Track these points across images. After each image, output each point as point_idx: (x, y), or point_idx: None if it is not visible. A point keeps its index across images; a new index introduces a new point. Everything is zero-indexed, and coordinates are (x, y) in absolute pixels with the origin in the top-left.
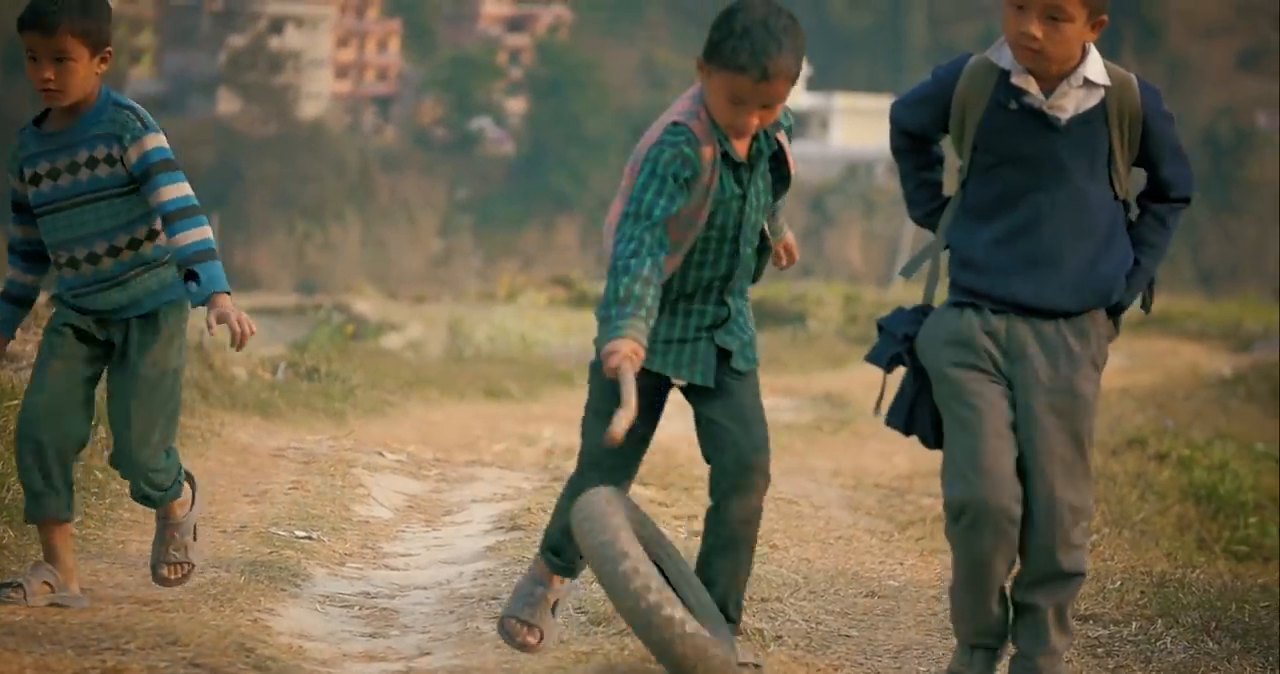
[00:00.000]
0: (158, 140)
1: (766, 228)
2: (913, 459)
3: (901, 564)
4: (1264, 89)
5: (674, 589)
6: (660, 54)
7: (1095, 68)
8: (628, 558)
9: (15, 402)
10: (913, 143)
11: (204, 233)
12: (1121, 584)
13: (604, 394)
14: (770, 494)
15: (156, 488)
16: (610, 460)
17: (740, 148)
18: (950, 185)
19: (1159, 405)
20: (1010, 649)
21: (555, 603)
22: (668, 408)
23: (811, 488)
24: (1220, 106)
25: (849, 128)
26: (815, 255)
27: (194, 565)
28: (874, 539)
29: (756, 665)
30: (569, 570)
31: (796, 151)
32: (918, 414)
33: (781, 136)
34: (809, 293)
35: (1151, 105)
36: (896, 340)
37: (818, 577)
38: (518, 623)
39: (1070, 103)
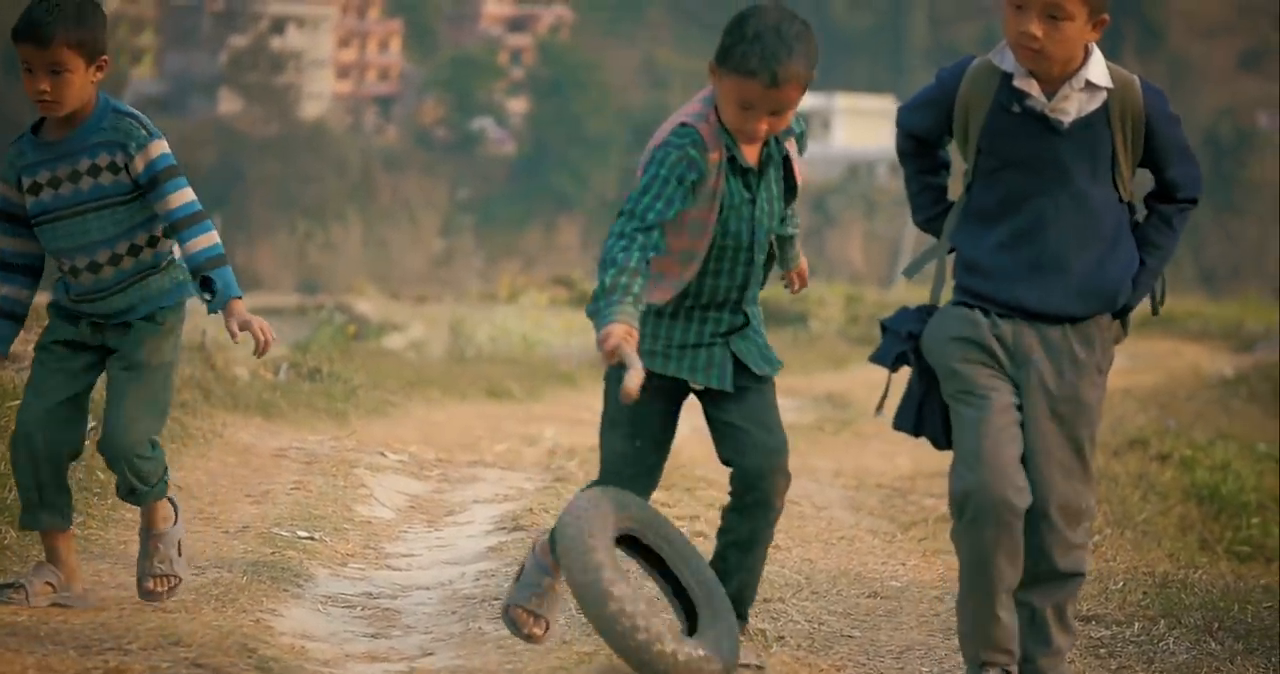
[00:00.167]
0: (162, 147)
1: (776, 248)
2: (915, 460)
3: (904, 565)
4: (1265, 89)
5: (674, 573)
6: (662, 54)
7: (1098, 70)
8: (612, 600)
9: (16, 402)
10: (918, 146)
11: (213, 238)
12: (1124, 585)
13: (618, 403)
14: None
15: (142, 480)
16: (631, 470)
17: (750, 153)
18: (956, 188)
19: (1161, 406)
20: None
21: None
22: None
23: (814, 488)
24: (1221, 107)
25: (850, 128)
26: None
27: (180, 579)
28: (876, 540)
29: (759, 667)
30: None
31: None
32: (926, 414)
33: (791, 145)
34: (810, 293)
35: (1155, 107)
36: (901, 338)
37: (820, 577)
38: (525, 613)
39: (1072, 105)
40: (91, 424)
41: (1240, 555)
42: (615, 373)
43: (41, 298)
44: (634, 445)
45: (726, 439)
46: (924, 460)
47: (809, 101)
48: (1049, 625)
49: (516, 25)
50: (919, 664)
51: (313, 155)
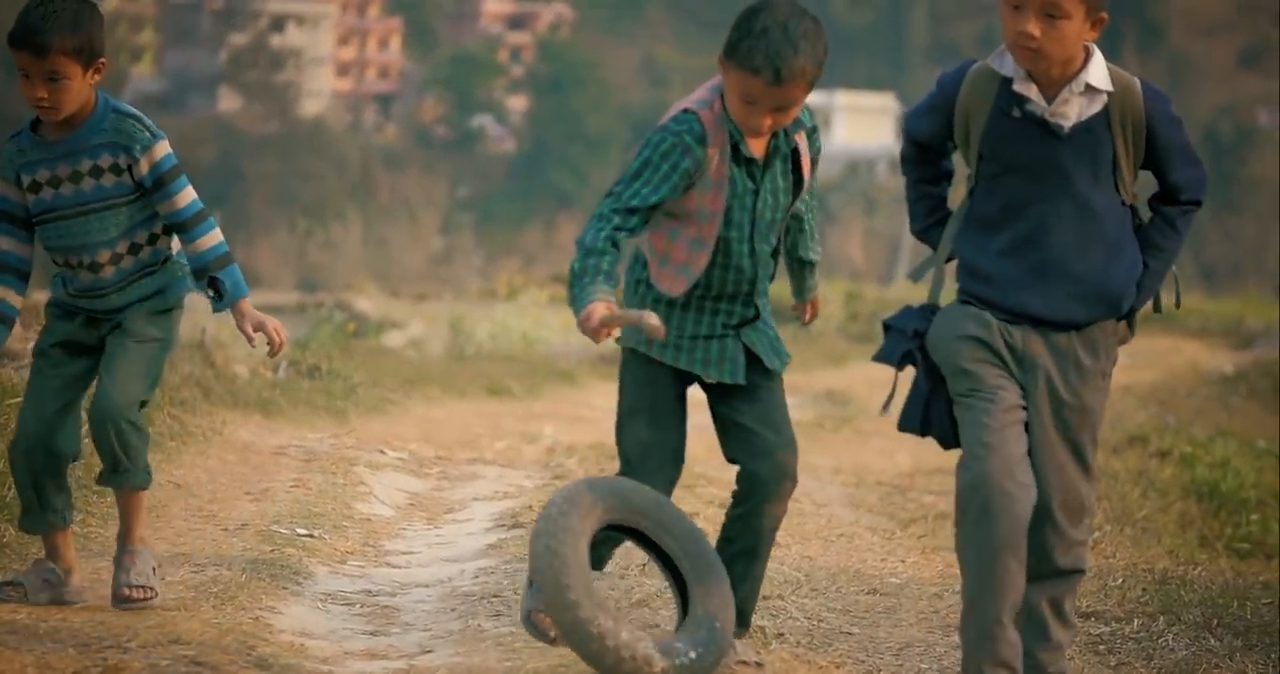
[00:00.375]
0: (165, 148)
1: (789, 248)
2: (914, 457)
3: (903, 562)
4: (1265, 87)
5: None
6: (661, 52)
7: (1098, 73)
8: (601, 637)
9: (17, 399)
10: (920, 153)
11: (218, 236)
12: (1123, 582)
13: (635, 392)
14: None
15: (126, 452)
16: (655, 458)
17: (756, 145)
18: (957, 195)
19: (1161, 402)
20: None
21: None
22: None
23: (813, 485)
24: (1222, 104)
25: (851, 125)
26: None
27: (156, 592)
28: (875, 537)
29: (758, 663)
30: (598, 564)
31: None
32: (933, 414)
33: (800, 138)
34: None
35: (1156, 110)
36: (907, 337)
37: (819, 574)
38: (545, 617)
39: (1073, 110)
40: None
41: (1240, 552)
42: (629, 363)
43: (41, 296)
44: (656, 431)
45: (736, 439)
46: (923, 458)
47: (809, 98)
48: (1047, 620)
49: (516, 23)
50: (918, 661)
51: (312, 153)
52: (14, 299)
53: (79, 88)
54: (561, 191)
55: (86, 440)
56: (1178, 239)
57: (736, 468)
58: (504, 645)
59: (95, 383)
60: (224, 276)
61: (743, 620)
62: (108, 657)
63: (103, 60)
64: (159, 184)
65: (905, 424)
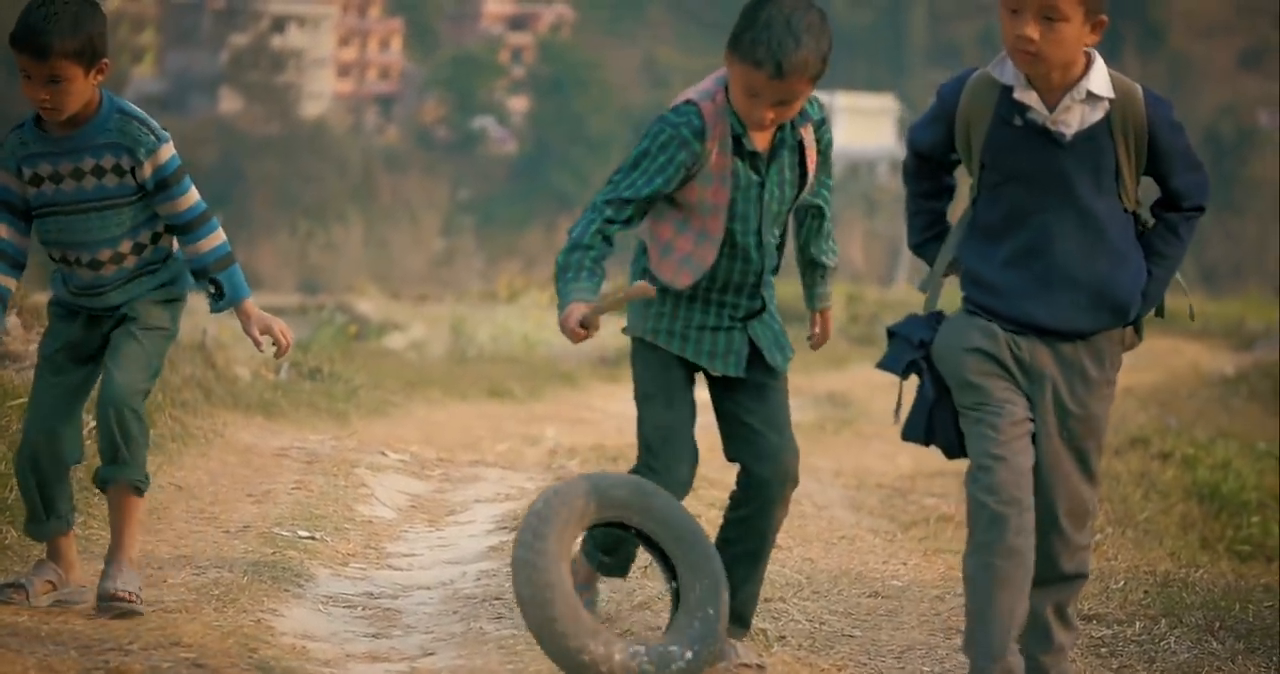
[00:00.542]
0: (170, 150)
1: (804, 248)
2: (915, 459)
3: (905, 564)
4: (1265, 88)
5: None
6: (663, 53)
7: (1099, 80)
8: (594, 666)
9: (19, 401)
10: (922, 166)
11: (220, 237)
12: (1125, 584)
13: (647, 377)
14: None
15: (127, 442)
16: (676, 441)
17: (761, 137)
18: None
19: (1162, 404)
20: None
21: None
22: None
23: (814, 488)
24: (1222, 105)
25: (850, 127)
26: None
27: (141, 602)
28: (877, 539)
29: (760, 666)
30: (622, 569)
31: None
32: (938, 423)
33: (806, 131)
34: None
35: (1158, 116)
36: (913, 347)
37: (821, 577)
38: None
39: (1074, 117)
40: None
41: (1241, 554)
42: (639, 350)
43: (42, 297)
44: (674, 413)
45: (740, 439)
46: (925, 461)
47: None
48: (1050, 624)
49: (517, 24)
50: (920, 663)
51: (313, 154)
52: (8, 282)
53: (81, 89)
54: (563, 193)
55: (88, 443)
56: (1181, 245)
57: (737, 467)
58: (506, 648)
59: (101, 375)
60: (224, 278)
61: (743, 622)
62: (109, 659)
63: (105, 61)
64: (161, 187)
65: (909, 433)
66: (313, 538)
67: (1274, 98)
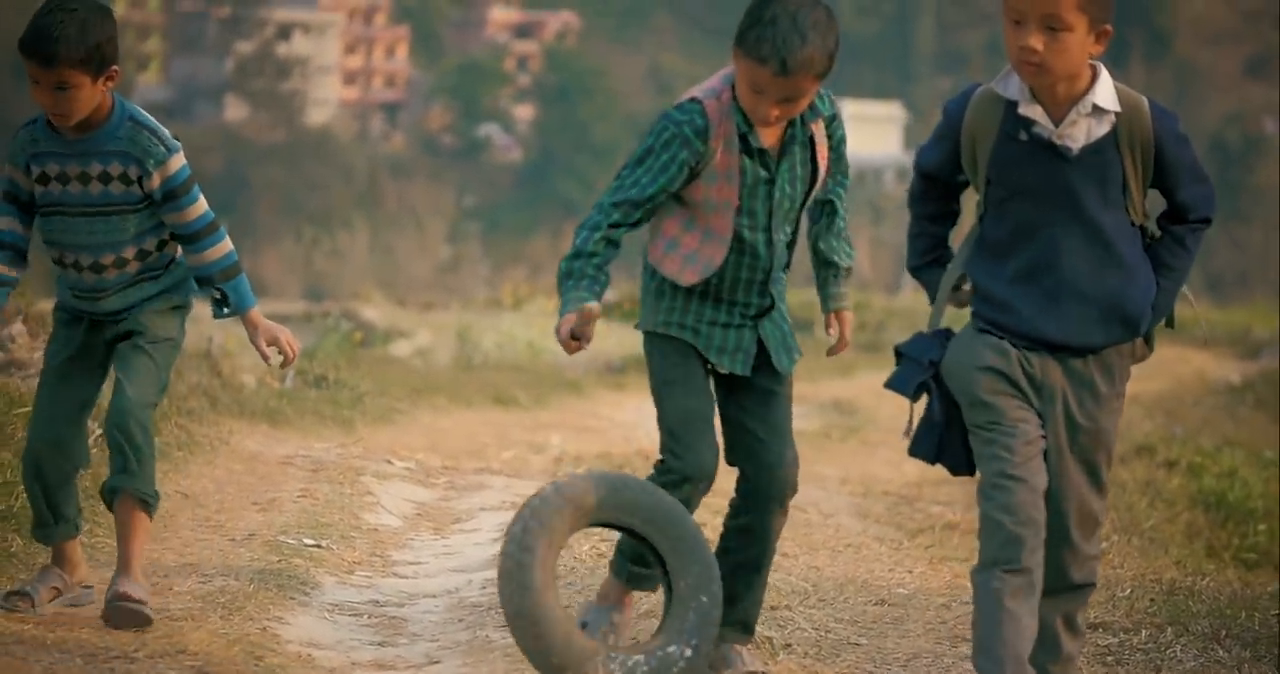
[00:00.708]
0: (180, 161)
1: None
2: (921, 467)
3: (910, 572)
4: (1272, 96)
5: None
6: (667, 60)
7: (1105, 93)
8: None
9: (24, 409)
10: (928, 189)
11: (226, 247)
12: (1131, 592)
13: (665, 365)
14: None
15: (135, 454)
16: (698, 426)
17: (769, 134)
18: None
19: (1167, 412)
20: None
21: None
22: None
23: (820, 496)
24: (1229, 113)
25: (857, 134)
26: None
27: (149, 607)
28: (883, 547)
29: None
30: (649, 581)
31: None
32: (947, 442)
33: (817, 126)
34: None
35: (1164, 129)
36: (923, 368)
37: (827, 584)
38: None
39: (1080, 131)
40: (98, 431)
41: (1247, 562)
42: (653, 342)
43: (47, 305)
44: (695, 398)
45: (743, 446)
46: (931, 469)
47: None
48: (1059, 634)
49: (523, 32)
50: (926, 672)
51: (319, 162)
52: (10, 270)
53: (89, 96)
54: (568, 200)
55: (95, 450)
56: (1188, 257)
57: (737, 472)
58: (511, 656)
59: (112, 386)
60: (230, 288)
61: (747, 629)
62: (115, 667)
63: (116, 68)
64: (169, 197)
65: (917, 451)
66: (318, 546)
67: None
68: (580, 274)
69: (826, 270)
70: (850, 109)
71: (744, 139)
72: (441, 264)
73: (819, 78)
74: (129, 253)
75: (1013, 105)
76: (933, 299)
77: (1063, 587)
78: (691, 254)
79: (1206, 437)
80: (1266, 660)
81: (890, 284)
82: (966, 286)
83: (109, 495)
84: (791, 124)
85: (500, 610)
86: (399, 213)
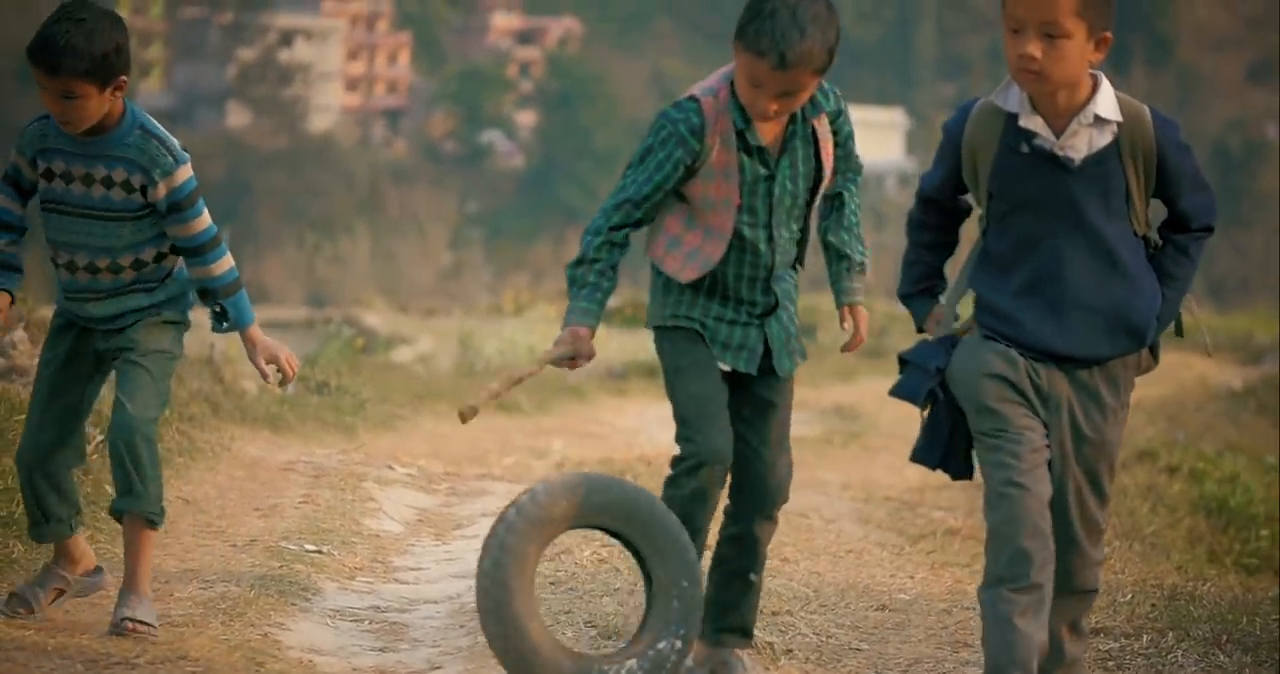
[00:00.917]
0: (187, 173)
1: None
2: (923, 473)
3: (912, 577)
4: (1274, 101)
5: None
6: (669, 65)
7: (1106, 103)
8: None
9: (23, 416)
10: (927, 215)
11: (230, 261)
12: (1132, 597)
13: (677, 354)
14: None
15: (139, 471)
16: (711, 411)
17: (768, 130)
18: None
19: (1169, 418)
20: None
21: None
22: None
23: (822, 501)
24: (1231, 119)
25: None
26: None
27: (156, 630)
28: (885, 552)
29: None
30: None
31: None
32: (951, 450)
33: (820, 122)
34: (819, 305)
35: (1166, 138)
36: (929, 374)
37: (828, 590)
38: None
39: (1082, 141)
40: (99, 438)
41: (1249, 567)
42: (664, 334)
43: (49, 311)
44: (707, 383)
45: (739, 455)
46: (932, 474)
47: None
48: (1063, 641)
49: (525, 38)
50: None
51: (321, 168)
52: (18, 251)
53: (95, 105)
54: (570, 207)
55: (95, 456)
56: (1191, 266)
57: (730, 480)
58: None
59: (111, 402)
60: (230, 304)
61: (746, 633)
62: (116, 673)
63: (124, 78)
64: (174, 209)
65: (920, 457)
66: (320, 552)
67: None
68: (583, 282)
69: (839, 264)
70: (852, 115)
71: (741, 136)
72: (443, 270)
73: (818, 72)
74: (125, 260)
75: (1013, 118)
76: (919, 327)
77: (1068, 592)
78: (693, 252)
79: (1208, 442)
80: (1267, 666)
81: (892, 289)
82: (958, 325)
83: (116, 515)
84: (792, 120)
85: None
86: (401, 219)
